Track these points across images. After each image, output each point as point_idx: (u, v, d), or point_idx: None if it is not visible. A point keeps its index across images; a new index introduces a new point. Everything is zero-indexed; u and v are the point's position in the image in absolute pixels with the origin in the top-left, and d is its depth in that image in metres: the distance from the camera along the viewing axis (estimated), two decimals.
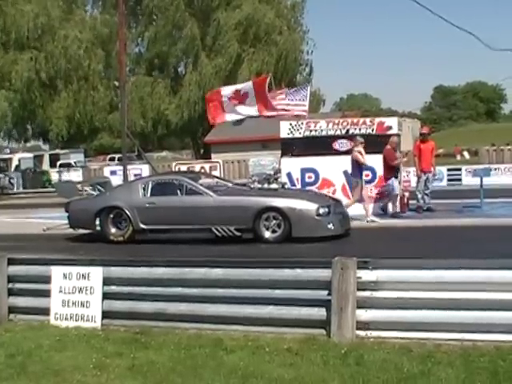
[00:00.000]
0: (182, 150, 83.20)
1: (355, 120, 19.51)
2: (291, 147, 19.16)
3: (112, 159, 57.14)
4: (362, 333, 7.37)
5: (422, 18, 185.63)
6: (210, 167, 33.87)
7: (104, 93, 53.68)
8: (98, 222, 15.83)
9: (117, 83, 25.32)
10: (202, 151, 57.04)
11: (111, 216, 15.65)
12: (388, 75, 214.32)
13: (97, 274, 8.53)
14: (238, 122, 21.65)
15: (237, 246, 14.28)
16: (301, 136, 19.08)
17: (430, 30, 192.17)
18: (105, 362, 7.05)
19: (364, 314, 7.40)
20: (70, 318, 8.59)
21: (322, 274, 7.52)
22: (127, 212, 15.41)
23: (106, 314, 8.49)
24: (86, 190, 17.72)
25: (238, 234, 14.76)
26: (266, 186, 16.58)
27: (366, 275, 7.41)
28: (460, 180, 29.62)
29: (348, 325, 7.30)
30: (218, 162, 35.94)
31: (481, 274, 7.21)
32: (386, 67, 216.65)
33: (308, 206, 14.52)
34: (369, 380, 6.19)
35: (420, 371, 6.34)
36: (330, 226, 14.45)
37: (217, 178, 18.46)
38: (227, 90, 20.56)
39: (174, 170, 33.45)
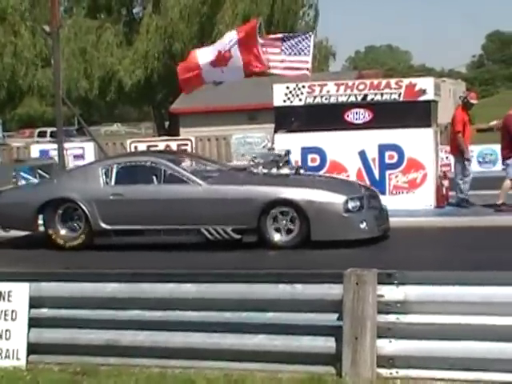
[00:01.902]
0: (139, 123, 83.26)
1: (375, 82, 19.57)
2: (288, 119, 19.20)
3: (42, 134, 57.02)
4: (384, 371, 7.39)
5: None
6: (179, 146, 33.83)
7: (30, 40, 53.10)
8: (40, 221, 15.49)
9: (47, 28, 24.98)
10: (166, 124, 57.01)
11: (60, 212, 15.28)
12: (421, 21, 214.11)
13: (21, 292, 8.43)
14: (218, 83, 21.59)
15: (234, 254, 14.10)
16: (302, 104, 19.14)
17: None
18: None
19: (388, 346, 7.44)
20: None
21: (331, 291, 7.54)
22: (83, 206, 15.07)
23: (33, 348, 8.41)
24: (20, 176, 17.25)
25: (236, 236, 14.53)
26: (274, 170, 15.90)
27: (391, 293, 7.43)
28: None
29: (366, 360, 7.33)
30: (189, 139, 35.93)
31: None
32: (418, 10, 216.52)
33: (333, 199, 14.29)
34: None
35: None
36: (363, 225, 14.27)
37: (205, 159, 18.09)
38: (205, 56, 20.39)
39: (129, 149, 33.42)
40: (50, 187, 16.01)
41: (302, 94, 19.12)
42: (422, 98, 18.56)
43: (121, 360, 8.18)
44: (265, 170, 15.69)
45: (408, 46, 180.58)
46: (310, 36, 21.27)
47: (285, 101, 19.27)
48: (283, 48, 20.27)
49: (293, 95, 19.17)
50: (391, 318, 7.46)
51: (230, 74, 19.93)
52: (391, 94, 18.67)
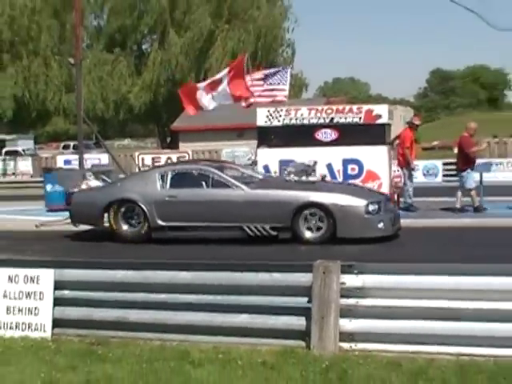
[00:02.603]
0: (145, 138, 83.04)
1: (340, 107, 19.56)
2: (269, 137, 19.16)
3: (66, 147, 56.78)
4: (345, 345, 7.40)
5: None
6: (178, 157, 33.78)
7: (58, 71, 53.21)
8: (106, 218, 15.28)
9: (72, 60, 25.02)
10: (168, 140, 56.90)
11: (122, 210, 15.09)
12: (378, 58, 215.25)
13: (47, 276, 8.41)
14: (211, 108, 21.53)
15: (272, 247, 13.85)
16: (280, 124, 19.10)
17: (426, 8, 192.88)
18: (55, 377, 6.95)
19: (348, 324, 7.43)
20: (16, 327, 8.47)
21: (302, 278, 7.54)
22: (142, 206, 14.84)
23: (57, 323, 8.39)
24: (89, 180, 16.90)
25: (273, 233, 14.33)
26: (303, 178, 15.69)
27: (351, 280, 7.44)
28: (457, 175, 29.78)
29: (330, 336, 7.33)
30: (186, 152, 35.87)
31: (481, 280, 7.27)
32: (376, 49, 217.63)
33: (356, 203, 14.10)
34: None
35: None
36: (381, 225, 14.09)
37: (244, 168, 17.58)
38: (202, 85, 20.46)
39: (137, 160, 33.32)
40: (114, 190, 15.69)
41: (280, 116, 19.08)
42: (378, 122, 18.57)
43: (128, 333, 8.15)
44: (296, 178, 15.60)
45: (367, 79, 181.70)
46: (287, 69, 21.32)
47: (266, 122, 19.22)
48: (265, 79, 20.27)
49: (273, 117, 19.13)
50: (351, 301, 7.47)
51: (219, 99, 19.88)
52: (353, 117, 18.66)
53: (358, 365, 6.96)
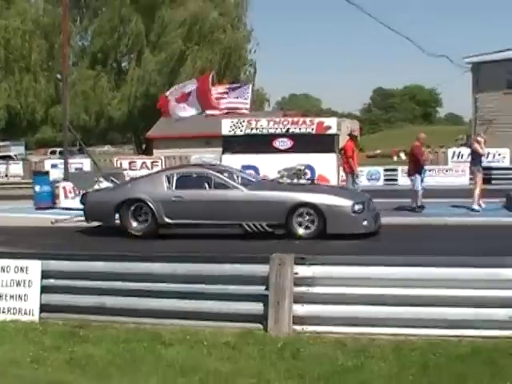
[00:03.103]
0: (124, 145, 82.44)
1: (295, 119, 19.67)
2: (232, 144, 19.17)
3: (53, 152, 56.21)
4: (298, 327, 7.41)
5: (363, 22, 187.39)
6: (152, 162, 33.68)
7: (46, 85, 52.82)
8: (117, 216, 15.05)
9: (59, 76, 24.93)
10: (143, 146, 56.67)
11: (132, 209, 14.86)
12: (329, 77, 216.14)
13: (35, 267, 8.36)
14: (180, 119, 21.45)
15: (270, 242, 13.60)
16: (242, 134, 19.12)
17: (371, 34, 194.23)
18: (42, 356, 6.93)
19: (300, 309, 7.45)
20: (8, 311, 8.39)
21: (260, 269, 7.54)
22: (151, 205, 14.64)
23: (44, 308, 8.33)
24: (100, 181, 16.68)
25: (269, 229, 14.19)
26: (295, 181, 15.66)
27: (303, 271, 7.47)
28: (396, 180, 30.04)
29: (284, 319, 7.34)
30: (160, 158, 35.77)
31: (413, 270, 7.37)
32: (328, 69, 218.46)
33: (343, 203, 14.04)
34: (304, 373, 6.24)
35: (354, 365, 6.43)
36: (365, 222, 14.02)
37: (241, 172, 17.18)
38: (172, 92, 20.37)
39: (116, 164, 33.18)
40: (125, 190, 15.47)
41: (242, 126, 19.12)
42: (328, 132, 18.70)
43: (107, 318, 8.10)
44: (288, 180, 15.53)
45: (319, 95, 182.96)
46: (249, 85, 21.30)
47: (230, 131, 19.26)
48: (230, 94, 20.25)
49: (236, 127, 19.16)
50: (303, 289, 7.48)
51: (189, 110, 19.80)
52: (306, 128, 18.78)
53: (308, 344, 7.01)
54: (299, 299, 7.46)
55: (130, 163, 33.64)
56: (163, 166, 33.54)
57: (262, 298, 7.52)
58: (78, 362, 6.78)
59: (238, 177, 15.67)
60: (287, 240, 13.80)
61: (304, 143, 18.29)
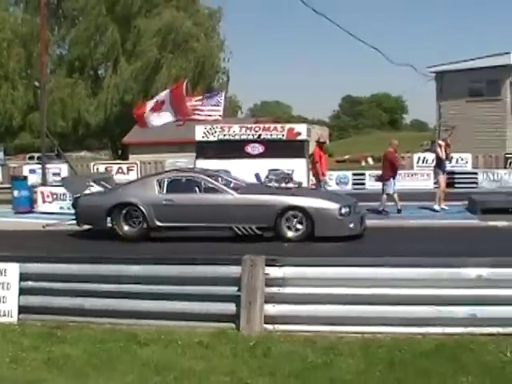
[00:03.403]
0: (100, 151, 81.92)
1: (267, 125, 19.75)
2: (205, 150, 19.18)
3: (31, 158, 55.68)
4: (269, 326, 7.44)
5: (332, 32, 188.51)
6: (128, 167, 33.57)
7: (24, 92, 52.34)
8: (109, 219, 14.81)
9: (37, 83, 24.78)
10: (119, 152, 56.39)
11: (124, 213, 14.64)
12: (300, 85, 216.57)
13: (13, 269, 8.30)
14: (157, 125, 21.40)
15: (258, 244, 13.50)
16: (215, 139, 19.14)
17: (341, 43, 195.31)
18: (21, 356, 6.90)
19: (271, 309, 7.48)
20: None
21: (233, 270, 7.55)
22: (142, 209, 14.43)
23: (22, 309, 8.27)
24: (92, 186, 16.12)
25: (259, 232, 14.06)
26: (283, 185, 15.45)
27: (274, 272, 7.49)
28: (364, 184, 30.16)
29: (256, 319, 7.36)
30: (135, 162, 35.65)
31: (379, 271, 7.43)
32: (299, 77, 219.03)
33: (331, 206, 13.95)
34: (275, 370, 6.28)
35: (323, 362, 6.48)
36: (352, 225, 13.94)
37: (229, 175, 16.97)
38: (149, 105, 20.33)
39: (93, 169, 32.99)
40: (117, 194, 15.25)
41: (215, 132, 19.15)
42: (298, 138, 18.78)
43: (84, 319, 8.05)
44: (276, 184, 15.44)
45: (290, 102, 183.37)
46: (222, 93, 21.39)
47: (203, 137, 19.28)
48: (203, 102, 20.29)
49: (209, 133, 19.19)
50: (274, 289, 7.51)
51: (163, 118, 19.77)
52: (277, 134, 18.85)
53: (279, 343, 7.05)
54: (270, 299, 7.48)
55: (106, 168, 33.46)
56: (139, 171, 33.47)
57: (234, 299, 7.52)
58: (56, 361, 6.75)
59: (227, 181, 15.55)
60: (276, 242, 13.75)
61: (275, 149, 18.37)
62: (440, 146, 18.79)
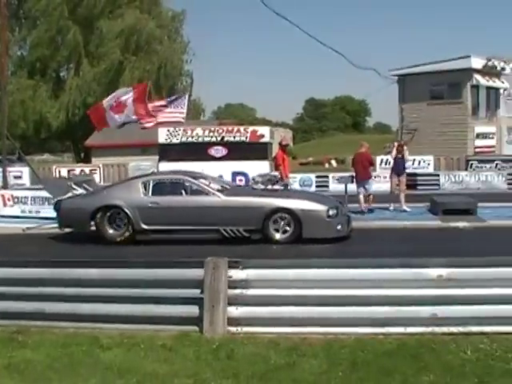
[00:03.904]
0: (63, 153, 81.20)
1: (230, 128, 19.76)
2: (168, 152, 19.12)
3: None
4: (233, 328, 7.44)
5: (296, 35, 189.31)
6: (90, 170, 33.32)
7: None
8: (92, 222, 14.57)
9: None
10: (82, 155, 55.93)
11: (108, 215, 14.43)
12: (264, 87, 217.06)
13: None
14: (120, 126, 21.23)
15: (246, 247, 13.47)
16: (178, 142, 19.10)
17: (304, 46, 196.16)
18: None
19: (235, 311, 7.48)
20: None
21: (195, 273, 7.52)
22: (127, 211, 14.22)
23: None
24: (74, 189, 15.81)
25: (246, 234, 13.96)
26: (269, 187, 15.35)
27: (237, 274, 7.50)
28: (327, 186, 30.30)
29: (219, 321, 7.36)
30: (98, 165, 35.39)
31: (342, 272, 7.49)
32: (263, 80, 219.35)
33: (319, 208, 13.90)
34: (238, 372, 6.29)
35: (286, 363, 6.51)
36: (339, 227, 13.94)
37: (215, 179, 16.79)
38: (109, 100, 20.14)
39: (55, 172, 32.67)
40: (101, 197, 14.96)
41: (178, 135, 19.13)
42: (261, 140, 18.82)
43: (45, 323, 7.97)
44: (262, 186, 15.34)
45: (254, 104, 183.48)
46: (185, 96, 21.29)
47: (166, 139, 19.23)
48: (166, 104, 20.22)
49: (172, 136, 19.15)
50: (237, 291, 7.52)
51: (125, 119, 19.62)
52: (240, 136, 18.88)
53: (243, 345, 7.06)
54: (234, 301, 7.48)
55: (68, 171, 33.15)
56: (101, 174, 33.23)
57: (197, 301, 7.50)
58: (17, 366, 6.67)
59: (213, 183, 15.43)
60: (263, 245, 13.68)
61: (238, 151, 18.41)
62: (393, 146, 19.44)
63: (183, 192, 14.70)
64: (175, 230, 14.18)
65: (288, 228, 13.78)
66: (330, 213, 13.87)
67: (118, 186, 16.31)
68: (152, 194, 14.61)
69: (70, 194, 15.52)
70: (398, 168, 19.33)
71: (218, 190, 14.59)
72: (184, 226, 14.07)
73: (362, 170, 19.09)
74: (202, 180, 15.14)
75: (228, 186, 15.66)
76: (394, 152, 19.25)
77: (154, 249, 13.83)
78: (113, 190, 15.36)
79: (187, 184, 14.68)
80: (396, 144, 19.71)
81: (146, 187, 14.68)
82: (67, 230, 15.62)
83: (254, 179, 16.13)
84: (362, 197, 18.65)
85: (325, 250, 13.29)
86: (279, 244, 13.66)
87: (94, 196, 15.25)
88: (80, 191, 15.71)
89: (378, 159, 34.86)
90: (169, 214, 14.09)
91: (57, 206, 15.35)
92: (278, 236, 13.80)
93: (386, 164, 33.36)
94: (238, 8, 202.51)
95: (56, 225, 15.72)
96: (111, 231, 14.49)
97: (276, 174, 16.73)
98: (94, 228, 14.75)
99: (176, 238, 14.09)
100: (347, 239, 14.17)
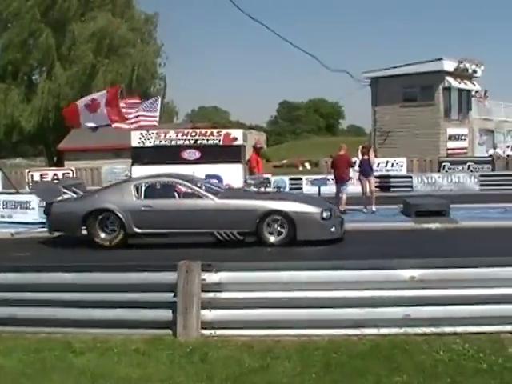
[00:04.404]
0: (36, 157, 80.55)
1: (203, 131, 19.71)
2: (141, 156, 19.03)
3: None
4: (206, 332, 7.43)
5: (269, 37, 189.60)
6: (63, 174, 33.03)
7: None
8: (84, 226, 14.33)
9: None
10: (55, 158, 55.55)
11: (99, 219, 14.20)
12: (238, 90, 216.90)
13: None
14: (94, 129, 21.11)
15: (242, 250, 13.41)
16: (151, 145, 19.01)
17: (278, 49, 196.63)
18: None
19: (208, 314, 7.47)
20: None
21: (169, 276, 7.50)
22: (119, 215, 14.04)
23: None
24: (65, 192, 15.50)
25: (240, 237, 13.91)
26: (262, 189, 15.26)
27: (210, 277, 7.48)
28: (301, 189, 30.36)
29: (193, 324, 7.35)
30: (70, 169, 35.13)
31: (314, 274, 7.51)
32: (236, 83, 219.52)
33: (313, 210, 13.86)
34: (212, 376, 6.29)
35: (260, 366, 6.52)
36: (333, 229, 13.90)
37: (205, 181, 16.51)
38: (84, 101, 20.07)
39: (27, 176, 32.39)
40: (92, 200, 14.73)
41: (151, 138, 19.00)
42: (234, 143, 18.80)
43: (18, 328, 7.90)
44: (255, 189, 15.24)
45: (228, 107, 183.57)
46: (158, 99, 21.27)
47: (139, 143, 19.10)
48: (139, 107, 20.16)
49: (145, 139, 19.02)
50: (211, 294, 7.51)
51: (97, 120, 19.52)
52: (214, 139, 18.81)
53: (217, 348, 7.05)
54: (207, 305, 7.47)
55: (41, 175, 32.87)
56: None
57: (170, 305, 7.48)
58: None
59: (205, 186, 15.28)
60: (258, 247, 13.62)
61: (211, 154, 18.34)
62: (358, 150, 20.24)
63: (176, 195, 14.64)
64: (169, 234, 14.11)
65: (282, 230, 13.75)
66: (324, 215, 13.84)
67: (109, 189, 16.05)
68: (144, 197, 14.49)
69: (60, 198, 15.28)
70: (365, 170, 19.60)
71: (212, 193, 14.47)
72: (178, 230, 13.97)
73: (341, 172, 19.34)
74: (195, 183, 15.00)
75: (220, 189, 15.56)
76: (360, 155, 19.72)
77: (146, 252, 13.78)
78: (104, 194, 15.16)
79: (180, 187, 14.59)
80: (360, 146, 20.05)
81: (138, 190, 14.53)
82: (56, 233, 15.40)
83: (246, 182, 16.09)
84: (344, 197, 19.07)
85: (318, 252, 13.23)
86: (273, 246, 13.61)
87: (85, 200, 15.06)
88: (70, 195, 15.52)
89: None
90: (162, 218, 13.95)
91: (47, 210, 15.13)
92: (272, 239, 13.76)
93: (359, 166, 33.65)
94: (211, 11, 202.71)
95: (45, 229, 15.54)
96: (103, 235, 14.32)
97: (268, 176, 16.76)
98: (85, 232, 14.57)
99: (169, 242, 14.00)
100: (340, 241, 14.15)
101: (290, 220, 13.63)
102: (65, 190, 15.47)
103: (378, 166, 29.03)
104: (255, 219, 13.67)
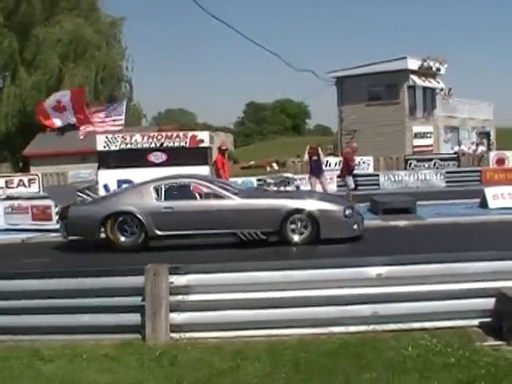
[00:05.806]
0: (1, 163, 79.75)
1: (169, 133, 19.66)
2: (108, 160, 18.93)
3: None
4: (175, 335, 7.40)
5: (233, 37, 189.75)
6: (29, 180, 32.79)
7: None
8: (102, 230, 14.02)
9: None
10: (20, 164, 55.01)
11: (120, 222, 13.95)
12: (203, 92, 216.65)
13: None
14: (60, 134, 21.05)
15: (264, 249, 13.20)
16: (117, 149, 18.91)
17: (242, 49, 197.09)
18: None
19: (177, 317, 7.44)
20: None
21: (136, 280, 7.45)
22: (140, 217, 13.78)
23: None
24: (80, 196, 15.31)
25: (263, 237, 13.72)
26: (282, 188, 15.14)
27: (178, 280, 7.45)
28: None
29: (162, 328, 7.31)
30: (37, 174, 34.87)
31: (280, 274, 7.52)
32: (202, 84, 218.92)
33: (335, 208, 13.79)
34: (182, 379, 6.27)
35: (230, 367, 6.50)
36: (355, 226, 13.87)
37: (222, 182, 16.19)
38: (50, 104, 19.93)
39: None
40: (111, 203, 14.39)
41: (117, 141, 18.91)
42: (201, 145, 18.80)
43: None
44: (275, 188, 15.04)
45: (195, 109, 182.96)
46: (123, 102, 21.21)
47: (105, 146, 19.00)
48: (105, 110, 20.09)
49: (111, 143, 18.93)
50: (179, 297, 7.48)
51: (64, 120, 19.43)
52: (180, 142, 18.81)
53: (186, 351, 7.02)
54: (176, 308, 7.44)
55: (6, 182, 32.58)
56: (41, 184, 32.70)
57: (139, 309, 7.44)
58: None
59: (224, 186, 14.98)
60: (281, 247, 13.48)
61: (178, 156, 18.31)
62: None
63: (197, 196, 14.42)
64: (191, 235, 13.90)
65: (305, 229, 13.65)
66: (347, 212, 13.80)
67: (128, 191, 15.56)
68: (165, 199, 14.19)
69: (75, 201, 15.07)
70: (315, 170, 19.80)
71: (232, 193, 14.25)
72: (199, 231, 13.77)
73: (342, 168, 20.86)
74: (217, 183, 14.90)
75: (241, 189, 15.35)
76: (306, 156, 20.04)
77: (169, 255, 13.25)
78: (123, 196, 14.77)
79: (200, 187, 14.38)
80: (308, 147, 20.26)
81: (158, 192, 14.25)
82: (69, 238, 15.01)
83: (265, 181, 15.96)
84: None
85: (340, 250, 13.12)
86: (297, 245, 13.50)
87: (103, 203, 14.81)
88: (86, 198, 15.31)
89: None
90: (184, 219, 13.72)
91: (63, 214, 14.70)
92: (296, 238, 13.63)
93: (326, 166, 33.72)
94: (175, 12, 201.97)
95: (55, 234, 15.31)
96: (123, 238, 14.07)
97: (288, 175, 16.77)
98: (103, 235, 14.28)
99: (192, 243, 13.83)
100: (361, 239, 14.06)
101: (313, 218, 13.54)
102: (80, 194, 15.30)
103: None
104: (279, 218, 13.54)
